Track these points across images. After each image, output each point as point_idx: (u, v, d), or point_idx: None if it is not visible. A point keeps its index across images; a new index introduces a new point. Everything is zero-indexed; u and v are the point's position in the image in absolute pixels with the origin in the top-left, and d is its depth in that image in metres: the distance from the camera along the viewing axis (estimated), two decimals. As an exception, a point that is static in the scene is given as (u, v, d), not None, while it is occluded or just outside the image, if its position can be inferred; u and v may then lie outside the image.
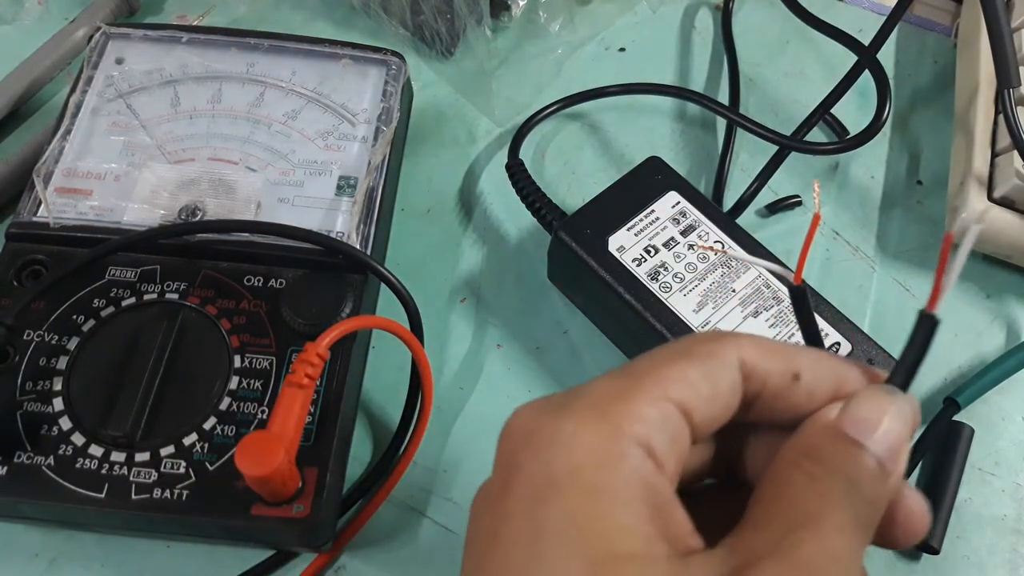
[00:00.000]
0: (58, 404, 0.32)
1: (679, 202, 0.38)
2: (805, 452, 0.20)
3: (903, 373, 0.20)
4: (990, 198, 0.40)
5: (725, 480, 0.23)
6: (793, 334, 0.35)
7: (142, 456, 0.31)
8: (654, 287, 0.36)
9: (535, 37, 0.48)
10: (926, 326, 0.20)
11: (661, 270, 0.36)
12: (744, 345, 0.21)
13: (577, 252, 0.37)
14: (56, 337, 0.33)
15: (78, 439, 0.32)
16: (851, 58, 0.44)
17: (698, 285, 0.36)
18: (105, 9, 0.46)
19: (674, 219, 0.38)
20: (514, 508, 0.19)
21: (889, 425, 0.20)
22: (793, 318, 0.35)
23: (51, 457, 0.31)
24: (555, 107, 0.45)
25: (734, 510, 0.20)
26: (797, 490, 0.19)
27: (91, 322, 0.34)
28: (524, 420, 0.20)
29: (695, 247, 0.37)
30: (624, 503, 0.18)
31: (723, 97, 0.48)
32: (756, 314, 0.35)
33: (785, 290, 0.36)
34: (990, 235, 0.40)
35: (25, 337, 0.33)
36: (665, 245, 0.37)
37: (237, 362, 0.34)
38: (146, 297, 0.35)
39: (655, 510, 0.18)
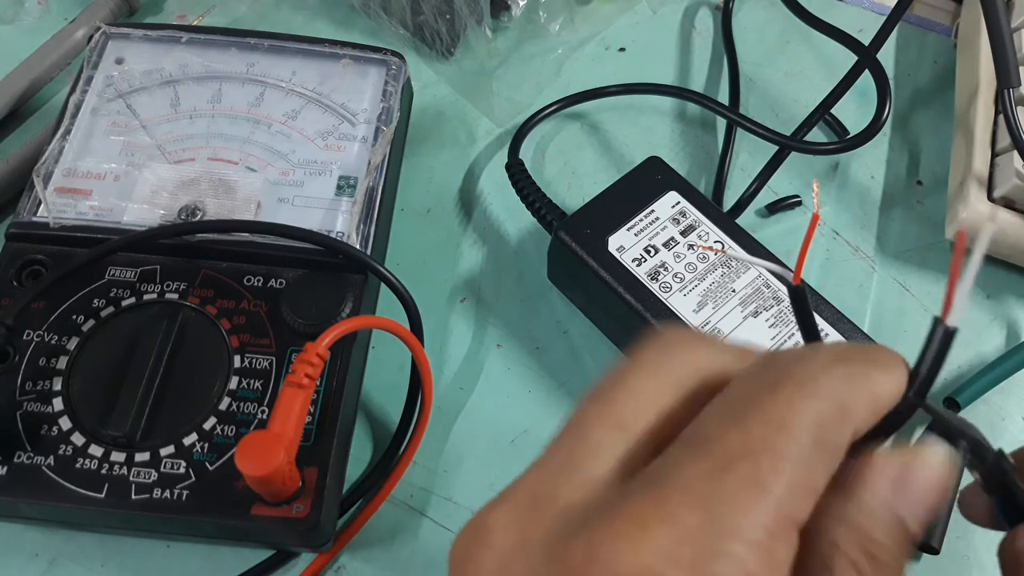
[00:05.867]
0: (58, 404, 0.32)
1: (679, 202, 0.38)
2: (864, 550, 0.18)
3: (922, 386, 0.19)
4: (990, 198, 0.40)
5: None
6: (793, 334, 0.35)
7: (142, 456, 0.31)
8: (654, 287, 0.36)
9: (535, 37, 0.48)
10: (943, 337, 0.18)
11: (661, 270, 0.36)
12: (861, 412, 0.18)
13: (577, 252, 0.37)
14: (56, 337, 0.33)
15: (78, 439, 0.32)
16: (851, 58, 0.44)
17: (698, 285, 0.36)
18: (105, 9, 0.46)
19: (674, 219, 0.38)
20: None
21: (935, 504, 0.18)
22: (793, 318, 0.35)
23: (51, 457, 0.31)
24: (555, 107, 0.45)
25: None
26: None
27: (91, 322, 0.34)
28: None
29: (695, 247, 0.37)
30: None
31: (723, 97, 0.48)
32: (756, 314, 0.35)
33: (785, 290, 0.36)
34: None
35: (25, 337, 0.33)
36: (665, 245, 0.37)
37: (237, 362, 0.34)
38: (146, 297, 0.35)
39: None
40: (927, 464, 0.19)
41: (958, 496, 0.21)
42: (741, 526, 0.16)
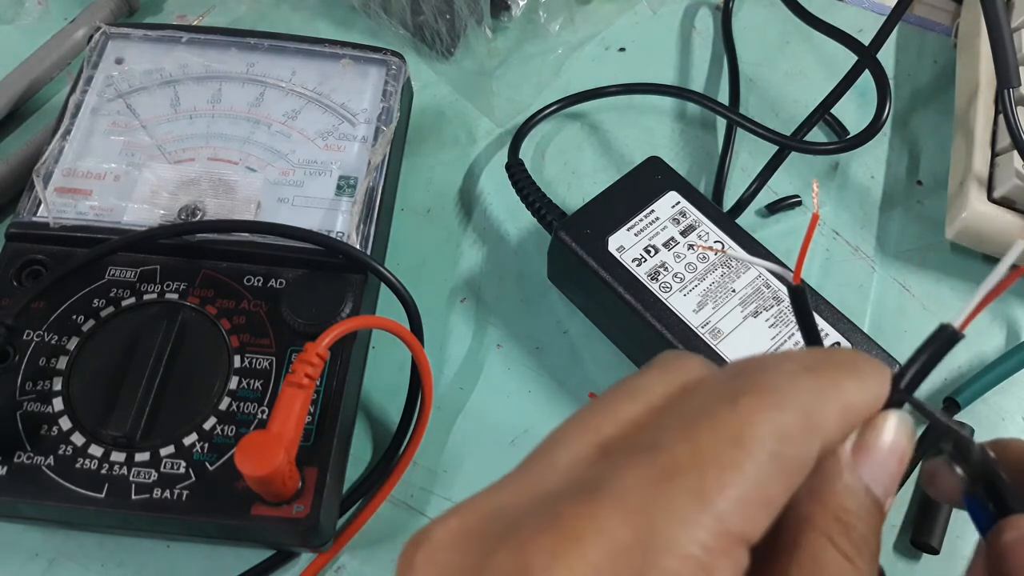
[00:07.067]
0: (58, 404, 0.32)
1: (679, 202, 0.38)
2: (836, 518, 0.17)
3: (913, 380, 0.19)
4: (990, 198, 0.40)
5: None
6: (793, 334, 0.35)
7: (142, 456, 0.31)
8: (654, 287, 0.36)
9: (535, 37, 0.48)
10: (947, 341, 0.19)
11: (661, 270, 0.36)
12: (831, 424, 0.17)
13: (577, 252, 0.37)
14: (56, 337, 0.33)
15: (78, 439, 0.32)
16: (851, 58, 0.44)
17: (698, 285, 0.36)
18: (105, 9, 0.46)
19: (674, 219, 0.38)
20: None
21: (898, 469, 0.18)
22: (793, 318, 0.35)
23: (51, 457, 0.31)
24: (555, 107, 0.45)
25: None
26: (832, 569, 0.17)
27: (91, 322, 0.34)
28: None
29: (695, 247, 0.37)
30: None
31: (723, 97, 0.48)
32: (756, 314, 0.35)
33: (785, 290, 0.36)
34: (990, 235, 0.40)
35: (25, 337, 0.33)
36: (665, 245, 0.37)
37: (237, 362, 0.34)
38: (146, 297, 0.35)
39: None
40: (881, 429, 0.18)
41: (922, 469, 0.21)
42: (677, 540, 0.15)
